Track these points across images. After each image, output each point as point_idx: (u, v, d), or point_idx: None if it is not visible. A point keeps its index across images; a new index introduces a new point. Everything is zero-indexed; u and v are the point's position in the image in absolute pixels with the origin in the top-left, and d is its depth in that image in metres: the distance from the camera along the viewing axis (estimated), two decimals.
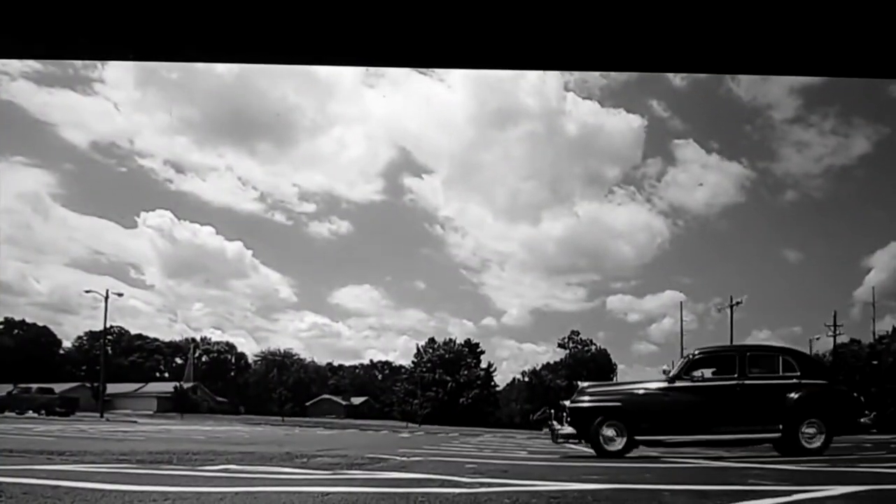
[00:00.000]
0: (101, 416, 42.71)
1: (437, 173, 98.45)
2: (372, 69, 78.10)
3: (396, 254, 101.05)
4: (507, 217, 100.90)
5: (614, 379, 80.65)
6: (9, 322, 77.27)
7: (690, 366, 12.62)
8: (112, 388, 61.59)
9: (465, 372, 75.71)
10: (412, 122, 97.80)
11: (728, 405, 12.16)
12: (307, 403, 77.47)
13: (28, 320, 78.41)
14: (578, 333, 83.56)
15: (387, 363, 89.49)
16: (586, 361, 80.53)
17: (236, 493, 5.19)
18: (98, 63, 67.44)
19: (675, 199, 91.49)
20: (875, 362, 58.18)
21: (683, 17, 1.30)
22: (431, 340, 79.35)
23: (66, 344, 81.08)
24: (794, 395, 12.03)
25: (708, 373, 12.79)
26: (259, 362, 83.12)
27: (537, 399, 78.10)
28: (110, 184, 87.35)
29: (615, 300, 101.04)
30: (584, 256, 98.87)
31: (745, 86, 74.67)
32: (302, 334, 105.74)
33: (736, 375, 12.31)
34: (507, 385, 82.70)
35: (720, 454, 12.23)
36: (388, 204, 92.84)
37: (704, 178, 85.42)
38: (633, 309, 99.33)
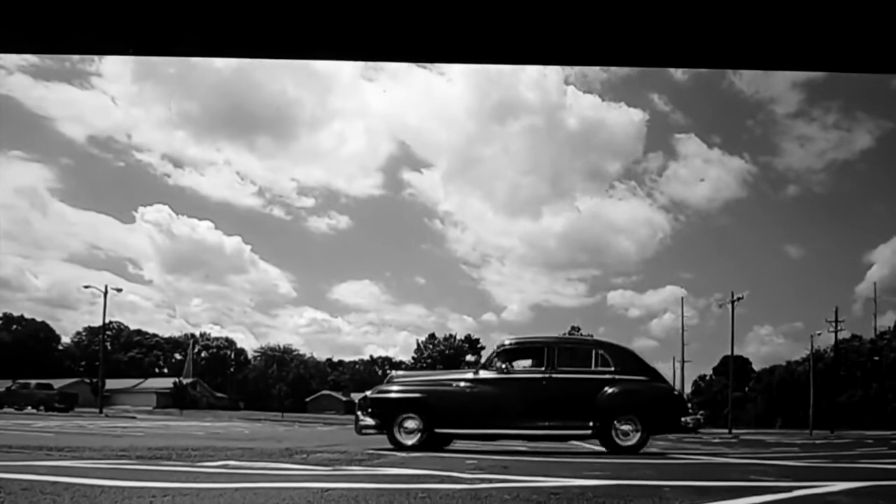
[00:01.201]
0: (100, 412, 42.77)
1: (437, 168, 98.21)
2: (371, 62, 77.95)
3: (396, 249, 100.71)
4: (507, 212, 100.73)
5: None
6: (7, 317, 77.29)
7: (498, 357, 12.26)
8: (111, 383, 61.63)
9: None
10: (412, 116, 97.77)
11: (535, 399, 11.79)
12: (307, 399, 77.44)
13: (27, 316, 78.53)
14: (579, 329, 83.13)
15: (387, 359, 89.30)
16: None
17: (236, 489, 5.18)
18: (95, 57, 67.26)
19: (676, 193, 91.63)
20: (876, 358, 58.30)
21: (685, 12, 1.29)
22: (432, 336, 79.34)
23: (65, 339, 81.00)
24: (607, 391, 11.68)
25: (526, 364, 12.45)
26: (258, 358, 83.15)
27: None
28: (108, 178, 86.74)
29: (616, 295, 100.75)
30: (585, 251, 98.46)
31: (747, 80, 74.45)
32: (301, 330, 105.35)
33: (544, 368, 11.93)
34: None
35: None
36: (388, 199, 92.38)
37: (706, 173, 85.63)
38: (634, 304, 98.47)
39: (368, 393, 12.70)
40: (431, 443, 11.64)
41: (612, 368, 11.87)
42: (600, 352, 12.13)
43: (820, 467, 9.07)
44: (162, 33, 1.34)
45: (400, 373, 14.27)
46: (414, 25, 1.32)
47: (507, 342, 12.47)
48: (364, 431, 12.14)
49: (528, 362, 12.47)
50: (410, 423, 11.80)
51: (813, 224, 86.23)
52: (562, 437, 12.14)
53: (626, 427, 11.51)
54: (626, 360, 12.16)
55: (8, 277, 76.52)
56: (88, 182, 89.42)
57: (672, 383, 12.46)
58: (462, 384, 12.18)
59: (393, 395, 12.27)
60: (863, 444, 14.28)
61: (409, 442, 11.60)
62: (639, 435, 11.51)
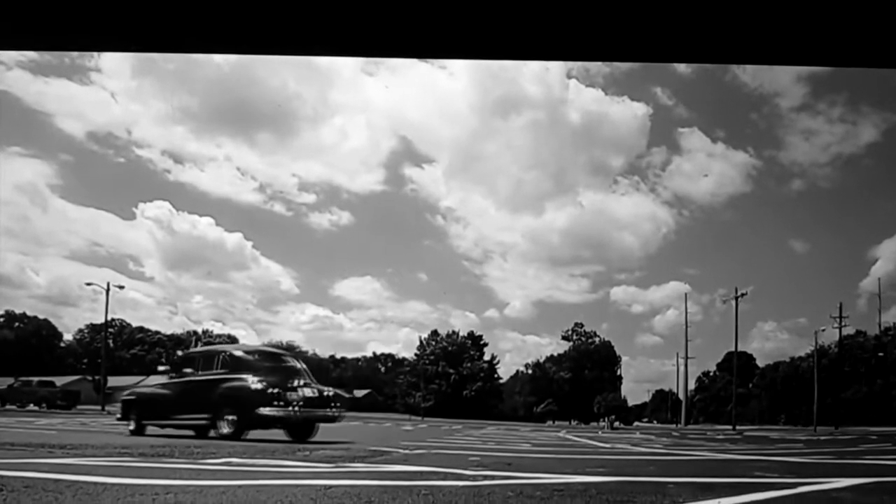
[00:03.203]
0: (103, 410, 42.80)
1: (439, 163, 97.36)
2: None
3: (398, 245, 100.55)
4: (509, 207, 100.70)
5: (618, 371, 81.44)
6: (10, 315, 77.40)
7: (175, 366, 15.84)
8: (113, 381, 61.57)
9: (469, 364, 75.79)
10: (413, 112, 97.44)
11: (183, 397, 14.68)
12: None
13: (28, 313, 78.61)
14: (582, 325, 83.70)
15: (389, 356, 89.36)
16: (590, 353, 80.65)
17: (238, 486, 5.18)
18: (94, 52, 67.13)
19: (680, 188, 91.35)
20: (881, 354, 58.21)
21: (689, 6, 1.27)
22: (434, 333, 79.37)
23: (67, 337, 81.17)
24: (217, 389, 13.97)
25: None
26: None
27: (541, 391, 78.30)
28: (108, 174, 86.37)
29: (619, 291, 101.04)
30: (588, 247, 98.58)
31: (751, 73, 74.17)
32: (303, 327, 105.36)
33: (192, 372, 14.91)
34: (511, 377, 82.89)
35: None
36: (390, 194, 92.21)
37: (710, 168, 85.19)
38: (638, 300, 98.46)
39: (123, 394, 16.80)
40: (142, 431, 14.88)
41: (227, 370, 14.31)
42: (223, 356, 14.86)
43: (824, 463, 9.06)
44: (162, 29, 1.33)
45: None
46: (415, 21, 1.30)
47: (179, 353, 16.91)
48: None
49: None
50: (134, 417, 15.36)
51: (817, 219, 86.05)
52: (191, 426, 14.34)
53: (230, 418, 13.56)
54: (235, 362, 14.53)
55: (9, 274, 76.73)
56: (88, 178, 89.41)
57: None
58: (155, 387, 16.14)
59: (125, 396, 16.33)
60: (867, 440, 14.23)
61: (130, 429, 15.14)
62: (236, 425, 13.45)
